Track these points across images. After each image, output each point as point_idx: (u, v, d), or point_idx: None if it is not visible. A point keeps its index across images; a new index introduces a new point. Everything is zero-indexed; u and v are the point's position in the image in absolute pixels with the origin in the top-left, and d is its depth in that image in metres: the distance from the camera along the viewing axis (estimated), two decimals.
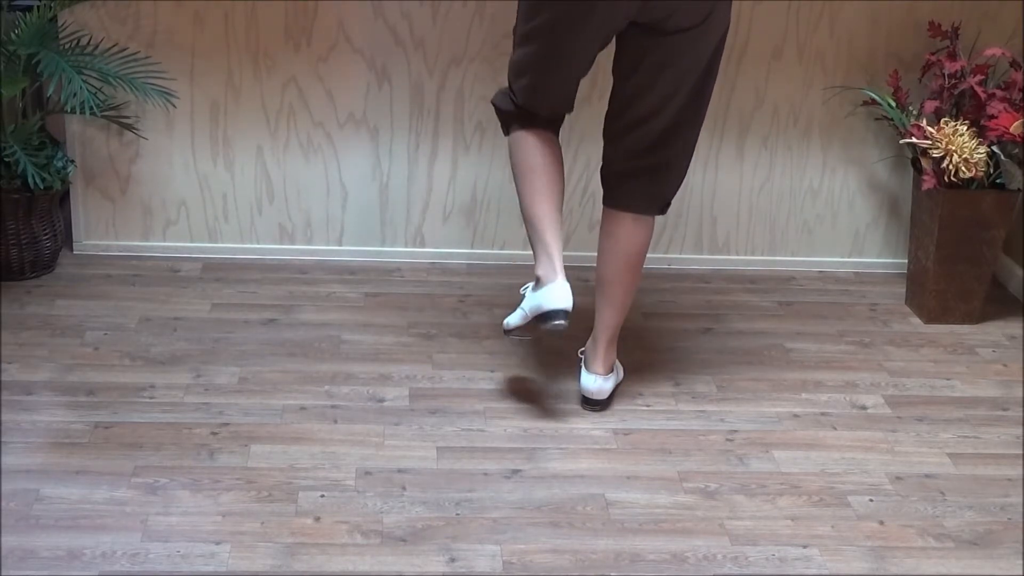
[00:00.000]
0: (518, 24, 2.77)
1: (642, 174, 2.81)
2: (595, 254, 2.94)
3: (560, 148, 2.84)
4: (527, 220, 2.81)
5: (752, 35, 3.55)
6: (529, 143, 2.80)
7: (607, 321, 2.92)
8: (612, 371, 2.97)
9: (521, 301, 2.83)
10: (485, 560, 2.36)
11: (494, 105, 2.89)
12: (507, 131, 2.87)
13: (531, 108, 2.80)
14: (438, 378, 3.05)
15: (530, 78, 2.76)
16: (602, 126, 2.86)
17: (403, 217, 3.69)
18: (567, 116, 2.89)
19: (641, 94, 2.73)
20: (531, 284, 2.81)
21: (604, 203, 2.89)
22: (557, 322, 2.70)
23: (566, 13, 2.62)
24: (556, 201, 2.79)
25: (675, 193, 2.88)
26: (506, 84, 2.86)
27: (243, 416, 2.82)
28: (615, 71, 2.80)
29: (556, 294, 2.70)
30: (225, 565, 2.31)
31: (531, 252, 2.81)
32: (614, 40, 2.76)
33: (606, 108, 2.83)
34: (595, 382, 2.93)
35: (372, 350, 3.17)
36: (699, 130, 2.83)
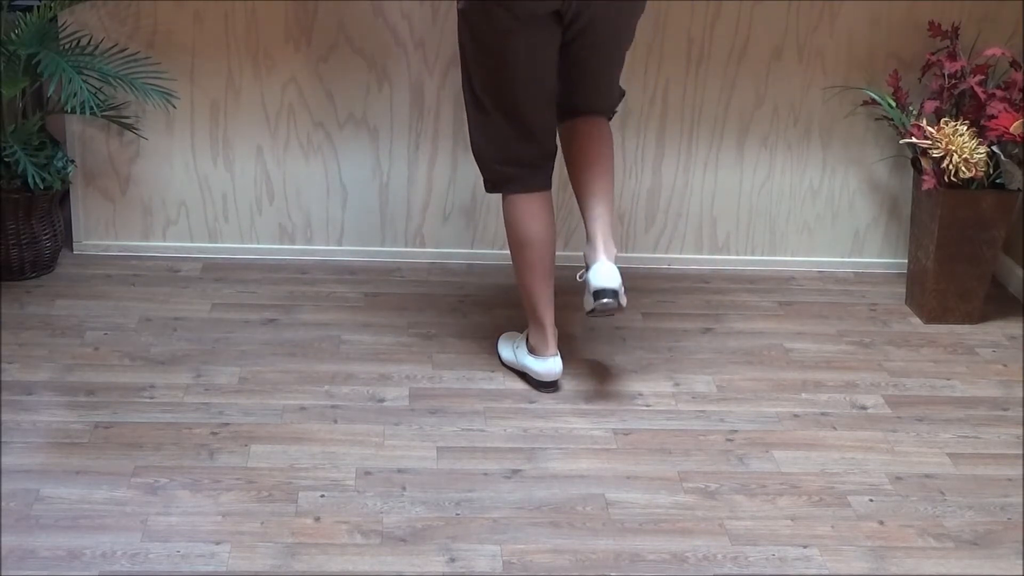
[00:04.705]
0: (470, 71, 2.85)
1: (595, 98, 2.96)
2: None
3: (553, 210, 2.95)
4: (522, 290, 2.99)
5: (752, 35, 3.55)
6: (524, 211, 2.91)
7: (596, 213, 2.85)
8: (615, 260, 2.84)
9: (519, 340, 3.06)
10: (485, 560, 2.36)
11: (483, 167, 2.96)
12: (497, 189, 2.95)
13: (513, 155, 2.88)
14: (438, 378, 3.05)
15: (497, 104, 2.84)
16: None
17: (403, 217, 3.69)
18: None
19: (578, 40, 2.82)
20: (526, 336, 3.03)
21: (566, 119, 2.97)
22: (547, 390, 2.98)
23: (507, 20, 2.71)
24: (549, 270, 2.95)
25: (618, 101, 3.05)
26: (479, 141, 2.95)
27: (243, 416, 2.82)
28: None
29: (548, 368, 2.97)
30: (225, 565, 2.31)
31: None
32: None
33: None
34: (610, 269, 2.75)
35: (372, 350, 3.17)
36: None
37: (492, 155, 2.90)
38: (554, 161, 2.96)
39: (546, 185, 2.93)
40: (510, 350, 3.09)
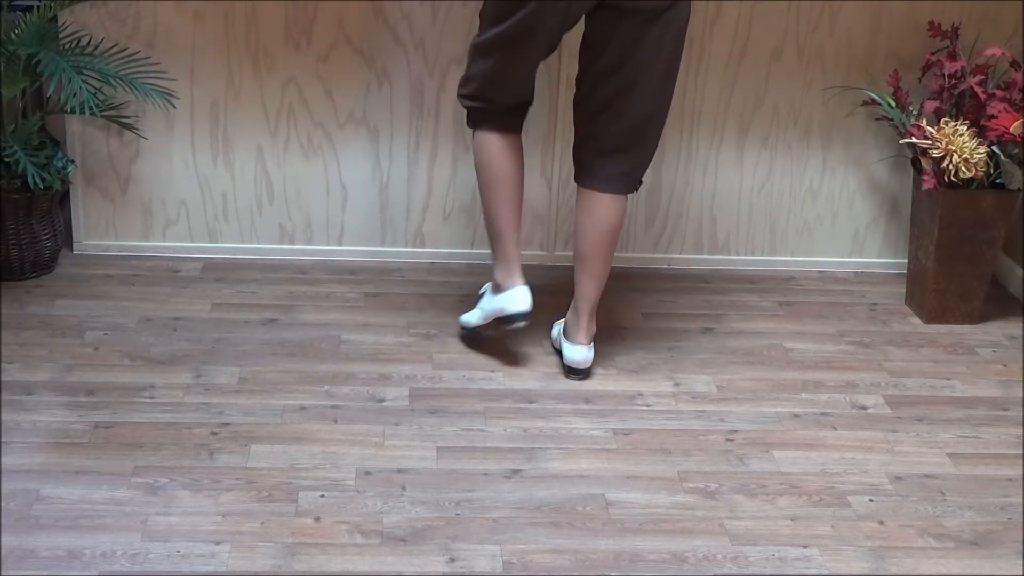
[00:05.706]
0: (486, 8, 2.85)
1: (616, 156, 2.93)
2: None
3: (522, 151, 2.98)
4: (489, 225, 3.01)
5: (752, 35, 3.55)
6: (495, 147, 2.95)
7: (588, 293, 3.02)
8: (592, 340, 3.06)
9: (479, 301, 3.05)
10: (485, 560, 2.37)
11: (460, 96, 2.99)
12: (473, 125, 2.98)
13: (490, 98, 2.91)
14: (438, 378, 3.05)
15: (495, 60, 2.85)
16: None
17: (403, 217, 3.69)
18: (546, 113, 3.00)
19: (610, 74, 2.83)
20: (489, 285, 3.02)
21: (579, 182, 3.00)
22: (518, 324, 2.98)
23: None
24: (517, 208, 2.98)
25: (646, 171, 3.00)
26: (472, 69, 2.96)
27: (243, 416, 2.82)
28: (582, 53, 2.90)
29: (517, 298, 2.96)
30: (225, 565, 2.31)
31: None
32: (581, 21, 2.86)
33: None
34: (580, 352, 3.04)
35: (372, 350, 3.17)
36: (667, 113, 2.94)
37: (472, 90, 2.93)
38: (528, 108, 3.00)
39: (518, 127, 2.97)
40: (477, 309, 3.09)
